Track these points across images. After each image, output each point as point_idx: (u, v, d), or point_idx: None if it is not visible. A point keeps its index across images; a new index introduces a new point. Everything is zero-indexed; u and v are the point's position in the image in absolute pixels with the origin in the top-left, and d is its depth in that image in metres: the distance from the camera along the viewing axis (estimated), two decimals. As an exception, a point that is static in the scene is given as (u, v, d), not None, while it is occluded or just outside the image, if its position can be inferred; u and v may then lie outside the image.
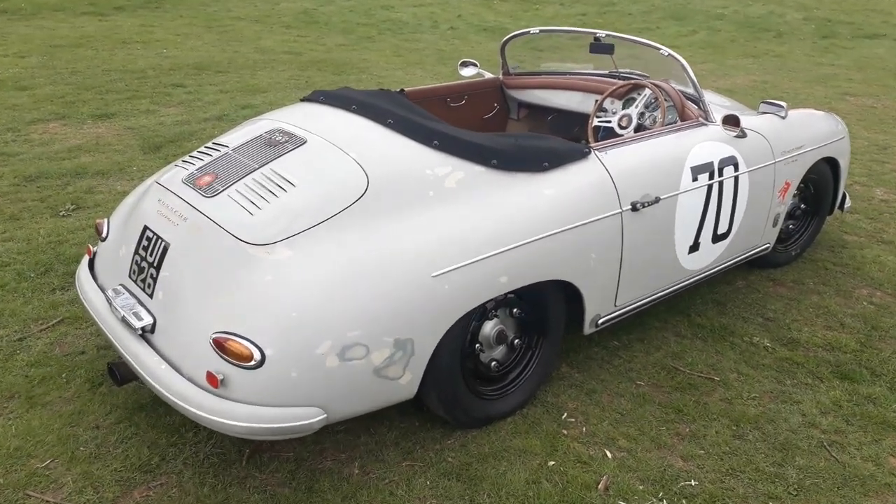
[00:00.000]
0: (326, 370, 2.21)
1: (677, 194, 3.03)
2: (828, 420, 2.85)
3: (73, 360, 3.05)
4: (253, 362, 2.15)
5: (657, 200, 2.93)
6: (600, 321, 2.95)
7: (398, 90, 3.70)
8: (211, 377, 2.20)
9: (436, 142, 2.61)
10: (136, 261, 2.57)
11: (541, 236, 2.57)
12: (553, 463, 2.54)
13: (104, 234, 2.88)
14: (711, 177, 3.18)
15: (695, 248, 3.23)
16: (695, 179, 3.10)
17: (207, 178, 2.58)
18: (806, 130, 3.80)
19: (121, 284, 2.62)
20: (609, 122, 3.63)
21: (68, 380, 2.93)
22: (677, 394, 2.98)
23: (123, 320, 2.45)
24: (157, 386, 2.29)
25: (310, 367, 2.19)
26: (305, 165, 2.52)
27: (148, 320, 2.41)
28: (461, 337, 2.50)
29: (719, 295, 3.83)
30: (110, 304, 2.53)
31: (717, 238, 3.33)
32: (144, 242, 2.56)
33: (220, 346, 2.19)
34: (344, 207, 2.39)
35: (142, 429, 2.66)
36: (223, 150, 2.73)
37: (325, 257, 2.30)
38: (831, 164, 4.05)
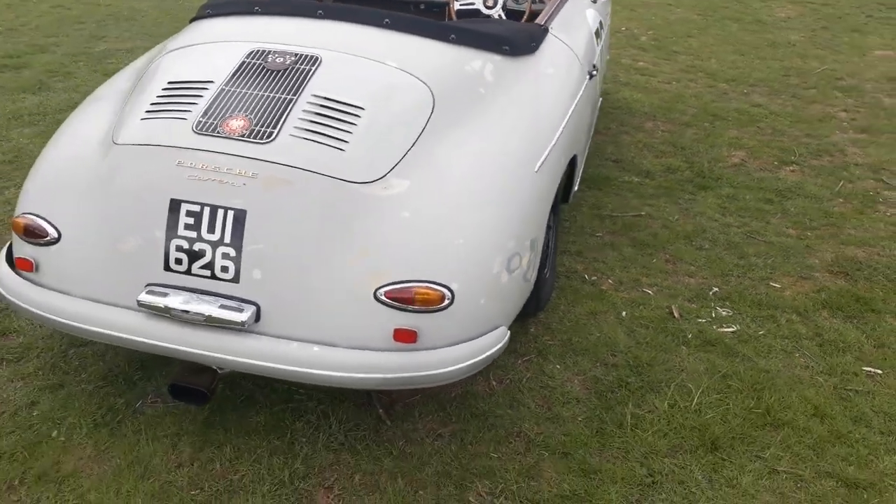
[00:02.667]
0: (502, 287, 2.12)
1: (596, 60, 3.35)
2: (729, 218, 3.63)
3: (38, 415, 2.24)
4: (445, 302, 1.96)
5: (595, 67, 3.21)
6: (574, 191, 3.21)
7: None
8: (404, 333, 1.94)
9: (452, 36, 2.48)
10: (180, 247, 1.99)
11: (567, 116, 2.69)
12: (625, 313, 2.82)
13: (54, 234, 2.11)
14: (599, 40, 3.56)
15: (596, 107, 3.63)
16: (596, 44, 3.45)
17: (240, 122, 2.06)
18: None
19: (150, 285, 2.01)
20: (472, 3, 3.71)
21: (67, 435, 2.17)
22: (631, 233, 3.44)
23: (210, 320, 1.94)
24: (326, 374, 1.93)
25: (493, 289, 2.08)
26: (353, 84, 2.20)
27: (250, 309, 1.95)
28: None
29: (570, 151, 4.35)
30: (168, 311, 1.95)
31: (598, 98, 3.78)
32: (188, 220, 1.98)
33: (401, 299, 1.93)
34: (425, 123, 2.20)
35: (240, 445, 2.17)
36: (209, 86, 2.18)
37: (443, 178, 2.13)
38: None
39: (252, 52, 2.28)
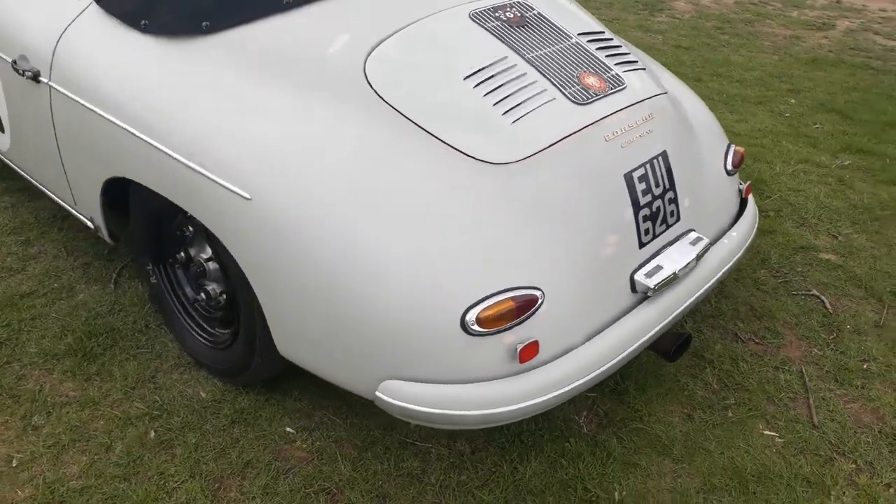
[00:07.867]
0: None
1: None
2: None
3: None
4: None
5: None
6: None
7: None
8: (749, 188, 2.49)
9: None
10: (645, 216, 2.00)
11: None
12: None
13: (539, 295, 1.77)
14: None
15: None
16: None
17: (592, 79, 2.04)
18: None
19: (636, 272, 1.96)
20: None
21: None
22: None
23: (699, 258, 2.06)
24: (741, 253, 2.28)
25: None
26: (577, 15, 2.30)
27: (694, 233, 2.14)
28: None
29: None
30: (676, 276, 1.99)
31: None
32: (641, 186, 1.99)
33: (741, 161, 2.42)
34: None
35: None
36: (508, 62, 2.00)
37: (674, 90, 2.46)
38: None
39: (472, 14, 2.08)
